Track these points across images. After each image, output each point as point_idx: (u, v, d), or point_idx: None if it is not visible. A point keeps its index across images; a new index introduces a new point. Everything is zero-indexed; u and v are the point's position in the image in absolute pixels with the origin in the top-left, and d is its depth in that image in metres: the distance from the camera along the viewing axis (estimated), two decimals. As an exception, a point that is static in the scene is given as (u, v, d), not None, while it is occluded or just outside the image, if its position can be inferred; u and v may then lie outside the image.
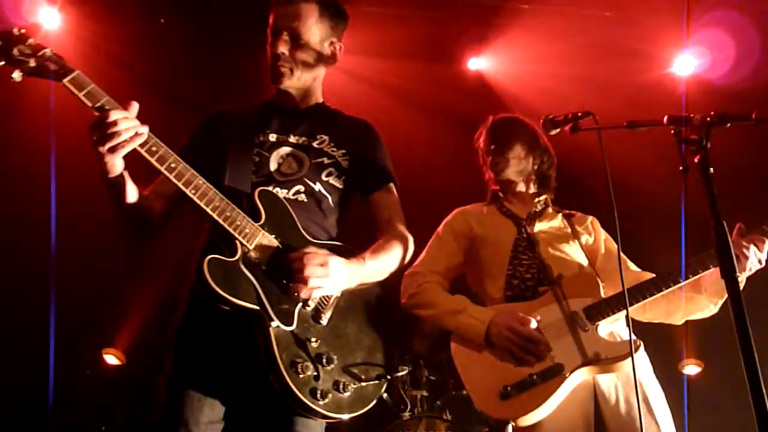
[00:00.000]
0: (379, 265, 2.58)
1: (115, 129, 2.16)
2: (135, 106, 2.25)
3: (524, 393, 2.75)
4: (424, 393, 5.45)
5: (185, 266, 2.56)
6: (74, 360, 6.14)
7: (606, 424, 2.80)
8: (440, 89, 6.08)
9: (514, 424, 2.79)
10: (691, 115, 2.06)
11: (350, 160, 2.73)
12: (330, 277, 2.37)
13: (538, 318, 2.89)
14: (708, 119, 2.04)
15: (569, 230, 3.20)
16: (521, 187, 3.31)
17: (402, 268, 2.75)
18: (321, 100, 2.87)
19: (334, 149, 2.71)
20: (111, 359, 6.49)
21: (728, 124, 2.06)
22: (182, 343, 2.48)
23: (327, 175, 2.66)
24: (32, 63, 2.13)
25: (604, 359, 2.77)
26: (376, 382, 2.45)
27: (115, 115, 2.17)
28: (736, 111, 2.08)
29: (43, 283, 5.79)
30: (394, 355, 2.56)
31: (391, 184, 2.81)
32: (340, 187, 2.69)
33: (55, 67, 2.16)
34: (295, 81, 2.73)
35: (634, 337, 2.81)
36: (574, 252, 3.13)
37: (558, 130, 2.77)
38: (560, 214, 3.28)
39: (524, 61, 5.82)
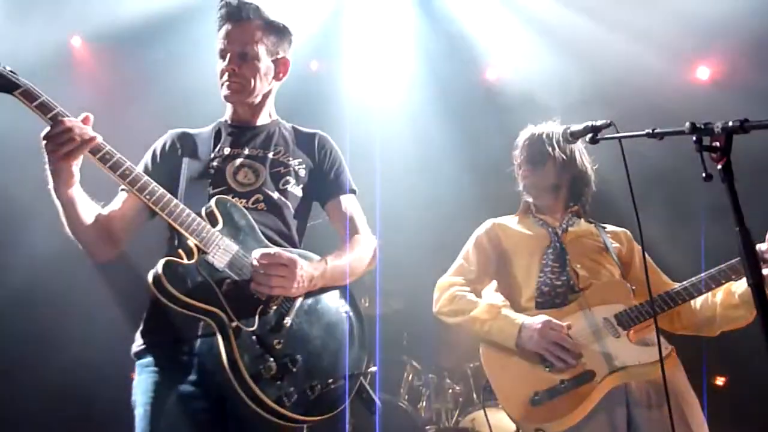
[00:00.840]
0: (342, 270, 2.62)
1: (68, 135, 2.24)
2: (90, 118, 2.33)
3: (555, 399, 2.76)
4: (449, 405, 5.44)
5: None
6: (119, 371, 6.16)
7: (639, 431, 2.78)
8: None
9: (544, 430, 2.78)
10: (712, 123, 2.05)
11: (307, 169, 2.80)
12: (293, 278, 2.40)
13: (569, 324, 2.90)
14: (729, 126, 2.03)
15: (602, 240, 3.19)
16: (552, 202, 3.32)
17: (368, 272, 2.79)
18: (275, 115, 2.95)
19: (290, 159, 2.78)
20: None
21: (751, 130, 2.05)
22: (147, 373, 2.47)
23: (284, 184, 2.72)
24: None
25: (636, 365, 2.77)
26: (344, 383, 2.45)
27: (68, 122, 2.25)
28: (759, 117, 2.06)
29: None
30: (363, 356, 2.56)
31: (349, 190, 2.86)
32: (299, 195, 2.75)
33: (4, 81, 2.24)
34: (247, 97, 2.80)
35: (666, 343, 2.80)
36: (605, 261, 3.14)
37: (578, 140, 2.78)
38: (593, 225, 3.28)
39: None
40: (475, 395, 5.34)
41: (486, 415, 4.61)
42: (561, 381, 2.78)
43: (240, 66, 2.74)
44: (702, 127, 2.04)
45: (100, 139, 2.31)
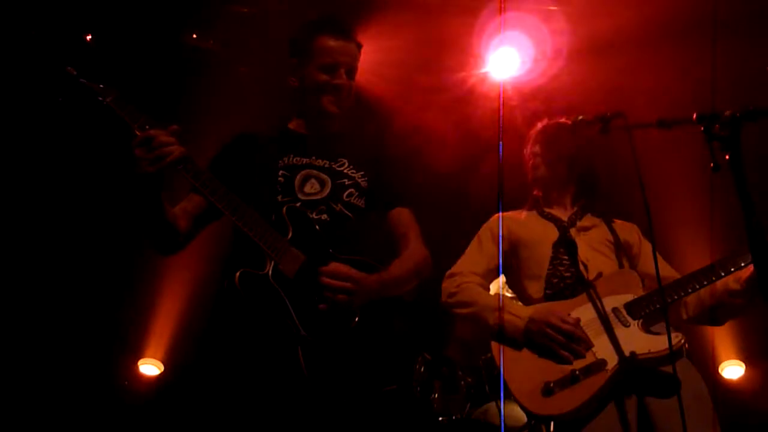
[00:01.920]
0: (400, 279, 2.74)
1: (158, 146, 2.31)
2: (175, 129, 2.40)
3: (567, 389, 2.76)
4: (461, 397, 5.45)
5: (210, 278, 2.64)
6: (110, 373, 6.23)
7: (650, 420, 2.78)
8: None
9: (557, 420, 2.80)
10: (721, 111, 2.06)
11: (369, 181, 2.87)
12: (357, 291, 2.52)
13: (579, 315, 2.91)
14: (738, 115, 2.04)
15: (610, 234, 3.21)
16: (561, 196, 3.34)
17: (421, 282, 2.86)
18: (338, 123, 2.99)
19: (354, 171, 2.85)
20: (149, 369, 6.52)
21: (759, 119, 2.05)
22: (214, 364, 2.62)
23: (348, 196, 2.80)
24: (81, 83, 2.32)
25: (646, 353, 2.78)
26: (400, 388, 2.57)
27: (158, 133, 2.34)
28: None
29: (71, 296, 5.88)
30: (416, 361, 2.66)
31: (408, 202, 2.96)
32: (361, 206, 2.83)
33: (99, 87, 2.35)
34: (343, 111, 2.91)
35: (678, 332, 2.83)
36: (614, 254, 3.16)
37: (587, 131, 2.79)
38: (600, 219, 3.30)
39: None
40: (487, 387, 5.34)
41: (499, 406, 4.67)
42: (572, 371, 2.78)
43: (348, 81, 2.86)
44: (709, 116, 2.06)
45: (185, 149, 2.39)
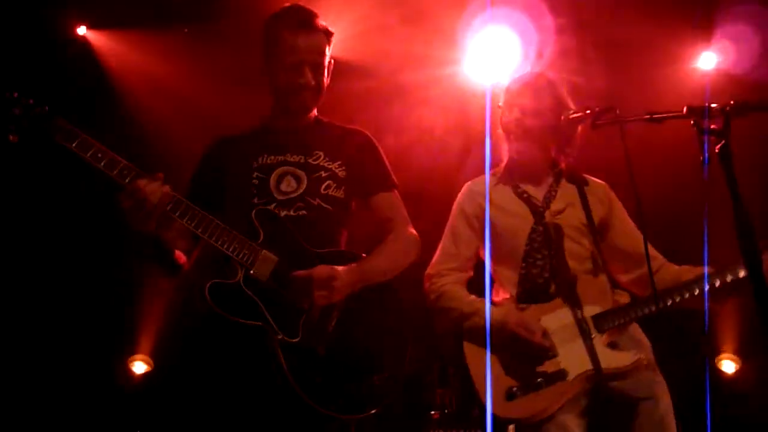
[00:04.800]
0: (382, 267, 2.68)
1: (144, 197, 2.29)
2: (161, 176, 2.37)
3: (529, 395, 2.78)
4: (452, 393, 5.46)
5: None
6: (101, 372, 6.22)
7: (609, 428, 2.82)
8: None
9: (517, 423, 2.84)
10: (711, 105, 2.05)
11: (347, 170, 2.81)
12: (334, 288, 2.47)
13: (548, 322, 2.89)
14: (728, 108, 2.03)
15: (583, 214, 3.09)
16: (539, 160, 3.16)
17: (409, 265, 2.80)
18: (314, 114, 2.93)
19: (330, 162, 2.79)
20: (139, 367, 6.51)
21: (749, 113, 2.04)
22: (196, 366, 2.66)
23: (326, 189, 2.74)
24: (25, 123, 2.25)
25: (605, 369, 2.77)
26: (387, 380, 2.53)
27: (142, 184, 2.30)
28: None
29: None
30: (406, 353, 2.64)
31: (390, 186, 2.89)
32: (341, 197, 2.76)
33: (46, 124, 2.27)
34: (316, 105, 2.85)
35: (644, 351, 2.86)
36: (588, 240, 3.06)
37: (579, 125, 2.77)
38: (574, 187, 3.15)
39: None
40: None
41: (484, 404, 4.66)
42: (535, 378, 2.79)
43: (314, 78, 2.74)
44: (700, 109, 2.04)
45: (168, 188, 2.37)
